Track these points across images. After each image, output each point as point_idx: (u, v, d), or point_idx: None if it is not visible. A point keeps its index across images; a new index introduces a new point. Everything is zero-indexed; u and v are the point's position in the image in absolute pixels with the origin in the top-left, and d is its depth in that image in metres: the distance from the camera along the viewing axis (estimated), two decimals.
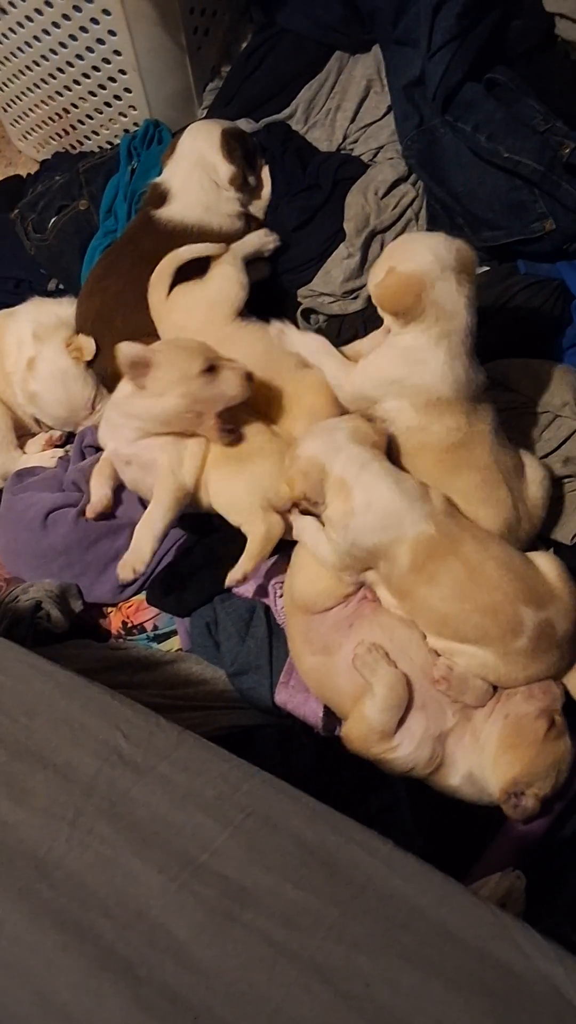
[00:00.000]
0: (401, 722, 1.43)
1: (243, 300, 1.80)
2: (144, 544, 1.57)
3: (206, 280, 1.81)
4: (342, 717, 1.52)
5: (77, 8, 1.94)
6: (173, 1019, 0.93)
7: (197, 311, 1.77)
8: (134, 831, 1.04)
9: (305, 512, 1.52)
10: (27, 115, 2.40)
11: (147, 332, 1.85)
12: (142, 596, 1.82)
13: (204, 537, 1.78)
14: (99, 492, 1.74)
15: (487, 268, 1.93)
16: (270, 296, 1.95)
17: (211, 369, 1.54)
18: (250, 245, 1.93)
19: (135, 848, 1.03)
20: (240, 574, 1.56)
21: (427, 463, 1.52)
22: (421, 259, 1.43)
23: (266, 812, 1.08)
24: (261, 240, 1.96)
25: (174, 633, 1.80)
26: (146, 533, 1.57)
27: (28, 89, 2.28)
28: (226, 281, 1.80)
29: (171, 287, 1.81)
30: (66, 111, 2.26)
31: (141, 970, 0.95)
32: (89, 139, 2.33)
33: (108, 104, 2.19)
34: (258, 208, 2.05)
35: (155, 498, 1.59)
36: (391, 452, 1.52)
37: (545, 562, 1.49)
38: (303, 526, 1.53)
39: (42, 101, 2.27)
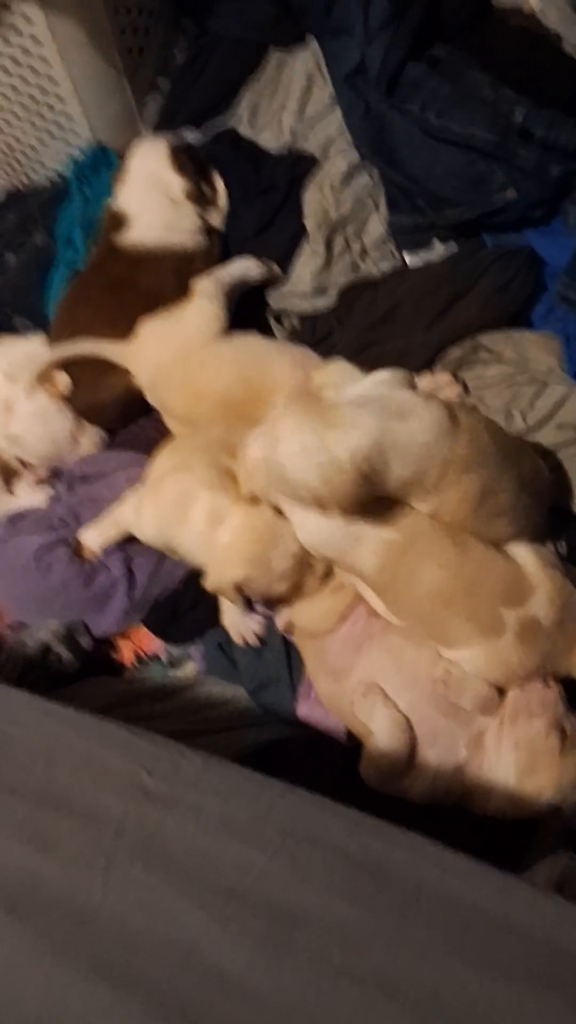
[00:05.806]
0: (411, 759, 1.39)
1: (219, 331, 1.77)
2: None
3: (180, 315, 1.78)
4: (361, 740, 1.47)
5: (6, 41, 1.91)
6: None
7: (172, 345, 1.75)
8: (171, 868, 1.00)
9: None
10: None
11: None
12: None
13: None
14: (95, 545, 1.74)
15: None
16: (240, 302, 1.90)
17: None
18: (233, 274, 1.87)
19: (174, 886, 0.98)
20: None
21: None
22: None
23: (305, 829, 1.04)
24: (245, 268, 1.90)
25: (189, 657, 1.77)
26: None
27: None
28: (202, 317, 1.77)
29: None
30: (9, 146, 2.23)
31: (197, 1012, 0.90)
32: (36, 172, 2.30)
33: (51, 134, 2.16)
34: (216, 218, 2.02)
35: None
36: None
37: (523, 553, 1.44)
38: None
39: None
